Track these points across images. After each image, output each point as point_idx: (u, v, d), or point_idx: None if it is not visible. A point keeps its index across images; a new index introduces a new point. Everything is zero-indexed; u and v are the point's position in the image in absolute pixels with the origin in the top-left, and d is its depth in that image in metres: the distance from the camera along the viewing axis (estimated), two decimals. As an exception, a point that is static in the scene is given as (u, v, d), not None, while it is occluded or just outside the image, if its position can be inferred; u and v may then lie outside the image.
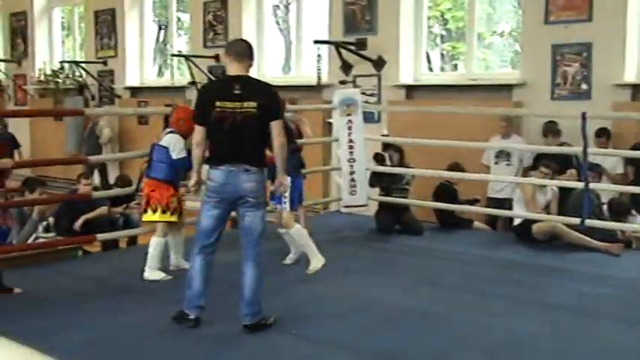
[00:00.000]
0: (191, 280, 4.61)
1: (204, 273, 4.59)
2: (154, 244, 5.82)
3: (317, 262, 5.74)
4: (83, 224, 7.73)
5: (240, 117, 4.42)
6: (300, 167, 6.53)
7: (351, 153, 7.91)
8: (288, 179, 4.95)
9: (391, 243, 7.28)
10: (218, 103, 4.44)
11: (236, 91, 4.44)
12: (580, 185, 6.78)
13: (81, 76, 13.08)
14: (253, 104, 4.43)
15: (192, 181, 4.77)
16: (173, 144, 5.76)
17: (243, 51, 4.62)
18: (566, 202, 7.19)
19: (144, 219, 5.97)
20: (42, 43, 14.53)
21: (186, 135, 5.70)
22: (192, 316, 4.58)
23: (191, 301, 4.59)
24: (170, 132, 5.88)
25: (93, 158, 8.80)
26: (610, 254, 6.56)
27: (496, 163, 8.15)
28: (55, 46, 14.67)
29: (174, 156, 5.73)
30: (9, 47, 15.02)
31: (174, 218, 5.83)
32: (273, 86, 4.73)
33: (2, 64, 14.94)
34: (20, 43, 14.73)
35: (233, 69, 4.58)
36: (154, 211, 5.77)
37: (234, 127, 4.42)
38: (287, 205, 5.96)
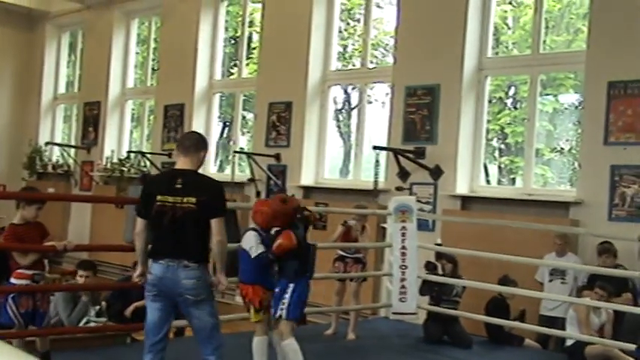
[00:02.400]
0: None
1: None
2: (254, 343, 5.49)
3: None
4: (134, 311, 7.82)
5: (180, 212, 4.38)
6: (303, 273, 5.60)
7: (403, 260, 7.91)
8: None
9: (438, 354, 7.12)
10: (159, 197, 4.40)
11: (177, 185, 4.41)
12: (636, 310, 6.62)
13: (145, 166, 13.48)
14: (193, 200, 4.39)
15: (136, 272, 4.74)
16: (250, 244, 5.42)
17: (191, 144, 4.62)
18: (620, 326, 7.00)
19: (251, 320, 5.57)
20: (112, 132, 15.05)
21: (261, 226, 5.48)
22: None
23: None
24: (251, 228, 5.61)
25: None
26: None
27: (550, 280, 8.01)
28: (124, 136, 15.18)
29: (253, 255, 5.38)
30: (80, 134, 15.63)
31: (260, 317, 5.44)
32: (220, 183, 4.65)
33: (72, 150, 15.54)
34: (91, 131, 15.28)
35: (179, 162, 4.58)
36: (248, 311, 5.48)
37: (174, 221, 4.37)
38: (284, 313, 5.34)
